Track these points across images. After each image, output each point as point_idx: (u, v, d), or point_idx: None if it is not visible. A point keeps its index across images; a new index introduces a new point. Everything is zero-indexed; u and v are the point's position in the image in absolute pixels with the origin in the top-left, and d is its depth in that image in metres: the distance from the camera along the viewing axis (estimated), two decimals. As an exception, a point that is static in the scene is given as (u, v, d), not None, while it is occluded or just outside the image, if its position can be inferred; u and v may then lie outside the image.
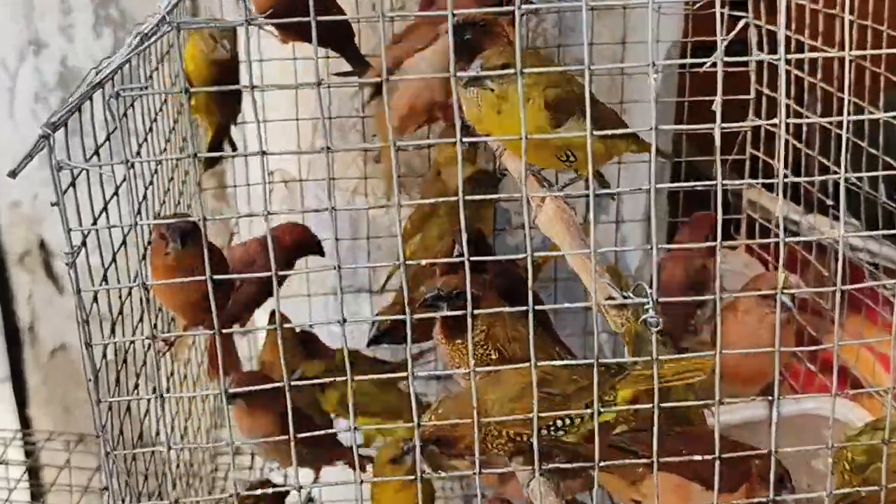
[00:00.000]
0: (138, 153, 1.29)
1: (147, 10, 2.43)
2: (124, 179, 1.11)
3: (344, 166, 1.93)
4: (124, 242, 1.17)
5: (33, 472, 2.30)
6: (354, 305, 2.01)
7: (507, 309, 1.21)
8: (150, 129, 1.36)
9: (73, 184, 1.00)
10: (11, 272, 2.77)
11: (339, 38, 1.50)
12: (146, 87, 1.13)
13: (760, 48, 1.85)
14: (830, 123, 1.45)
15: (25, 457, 2.30)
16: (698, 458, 1.10)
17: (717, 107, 0.98)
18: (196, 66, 1.53)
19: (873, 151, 1.57)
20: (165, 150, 1.48)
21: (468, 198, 0.98)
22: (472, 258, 0.99)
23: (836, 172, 1.65)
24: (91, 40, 2.49)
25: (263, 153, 0.98)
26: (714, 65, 1.00)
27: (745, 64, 1.86)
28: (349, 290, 1.98)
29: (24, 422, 2.89)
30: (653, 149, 0.97)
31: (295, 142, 1.87)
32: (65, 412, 2.85)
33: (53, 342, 2.82)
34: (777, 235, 1.89)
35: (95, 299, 1.04)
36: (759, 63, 1.86)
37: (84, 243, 1.01)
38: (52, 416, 2.86)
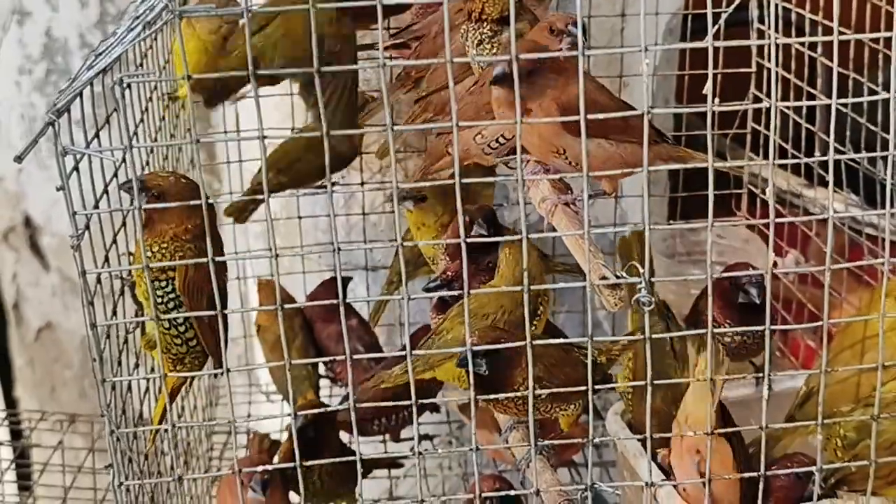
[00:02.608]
0: (135, 133, 1.36)
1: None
2: (123, 160, 1.20)
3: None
4: (124, 224, 1.25)
5: (21, 453, 2.39)
6: (350, 283, 2.09)
7: (504, 288, 1.29)
8: (146, 110, 1.43)
9: (76, 168, 1.08)
10: (-5, 250, 2.85)
11: None
12: (149, 73, 1.21)
13: (763, 20, 1.92)
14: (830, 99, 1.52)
15: (14, 437, 2.38)
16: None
17: (707, 90, 1.06)
18: (203, 49, 1.59)
19: (872, 128, 1.64)
20: (161, 129, 1.56)
21: (465, 181, 1.06)
22: (468, 240, 1.08)
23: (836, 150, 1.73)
24: (76, 9, 2.55)
25: (263, 137, 1.06)
26: (715, 51, 1.08)
27: (745, 38, 1.93)
28: (346, 268, 2.06)
29: (11, 402, 2.98)
30: (645, 132, 1.04)
31: (289, 117, 1.94)
32: (51, 392, 2.93)
33: (39, 321, 2.90)
34: (777, 210, 1.96)
35: (99, 281, 1.12)
36: (760, 36, 1.93)
37: (87, 226, 1.09)
38: (39, 397, 2.95)
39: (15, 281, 2.88)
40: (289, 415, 1.16)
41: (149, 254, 1.19)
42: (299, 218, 2.02)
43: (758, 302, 1.40)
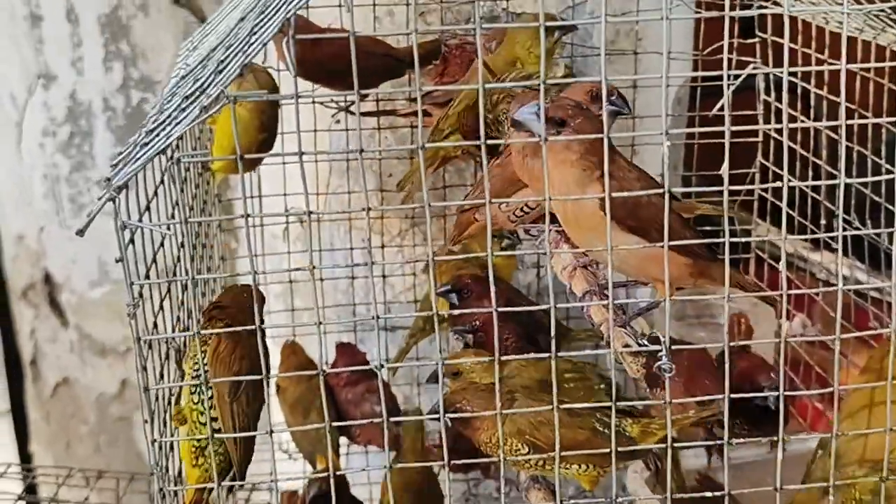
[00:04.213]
0: (177, 203, 1.44)
1: (157, 45, 2.61)
2: (168, 228, 1.28)
3: (359, 204, 2.09)
4: (169, 290, 1.33)
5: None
6: (368, 342, 2.17)
7: (531, 356, 1.37)
8: (185, 180, 1.52)
9: (132, 240, 1.16)
10: (14, 306, 2.92)
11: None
12: (205, 153, 1.29)
13: (768, 92, 2.02)
14: (835, 169, 1.60)
15: (30, 492, 2.44)
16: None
17: (724, 172, 1.15)
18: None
19: (876, 199, 1.72)
20: (196, 196, 1.64)
21: (497, 254, 1.14)
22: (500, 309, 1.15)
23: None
24: (101, 74, 2.65)
25: (310, 213, 1.14)
26: (722, 119, 1.16)
27: (754, 107, 2.03)
28: (363, 329, 2.14)
29: (26, 457, 3.04)
30: (666, 208, 1.12)
31: (313, 181, 2.03)
32: (66, 447, 2.99)
33: (56, 377, 2.97)
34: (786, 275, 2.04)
35: (150, 346, 1.20)
36: (766, 105, 2.02)
37: (141, 294, 1.16)
38: (54, 452, 3.01)
39: (33, 337, 2.95)
40: (324, 471, 1.22)
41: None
42: (321, 280, 2.10)
43: (773, 408, 1.43)
